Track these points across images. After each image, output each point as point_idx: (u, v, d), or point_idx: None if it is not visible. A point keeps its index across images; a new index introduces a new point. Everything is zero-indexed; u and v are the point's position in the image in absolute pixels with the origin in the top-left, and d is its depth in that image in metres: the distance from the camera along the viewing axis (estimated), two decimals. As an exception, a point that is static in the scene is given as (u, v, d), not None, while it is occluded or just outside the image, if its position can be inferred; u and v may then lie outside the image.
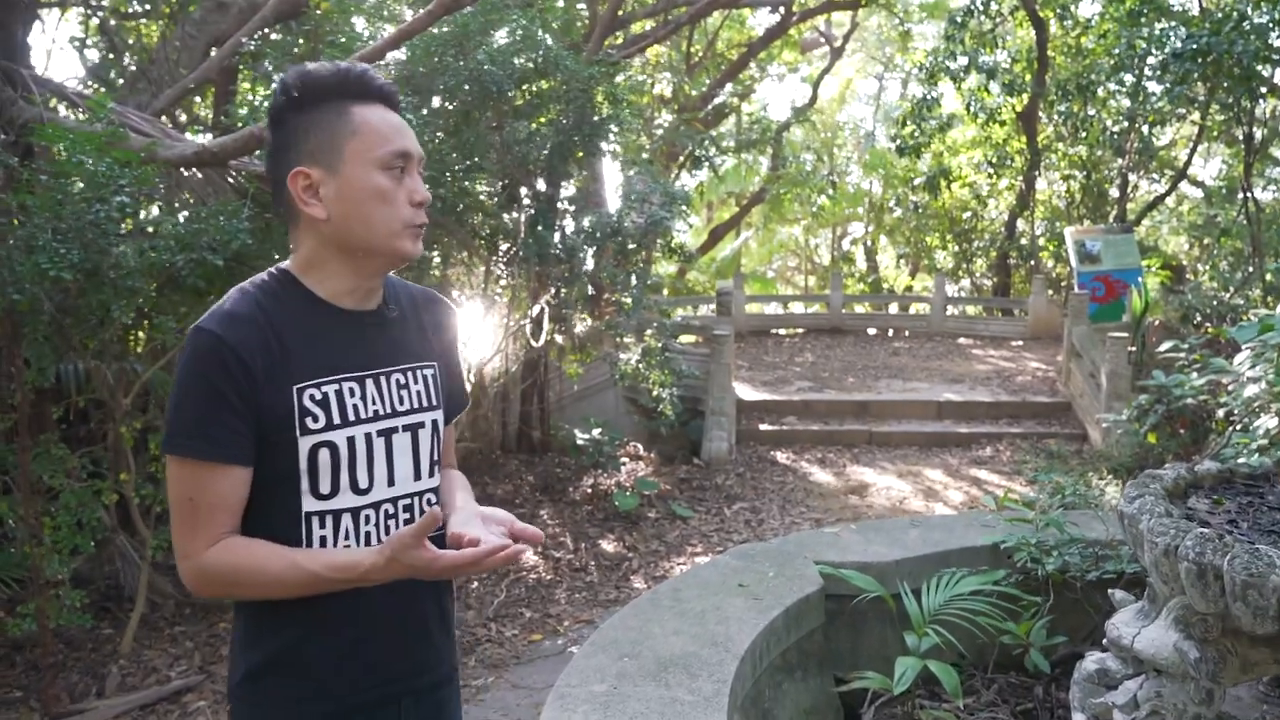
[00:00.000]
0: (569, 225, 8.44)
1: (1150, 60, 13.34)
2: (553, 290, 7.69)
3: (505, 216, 7.53)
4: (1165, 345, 7.00)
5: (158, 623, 5.68)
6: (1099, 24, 15.60)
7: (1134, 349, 10.12)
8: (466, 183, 6.53)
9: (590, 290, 8.40)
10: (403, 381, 1.61)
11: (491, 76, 6.13)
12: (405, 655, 1.62)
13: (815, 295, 20.62)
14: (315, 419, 1.50)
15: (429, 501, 1.64)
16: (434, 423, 1.66)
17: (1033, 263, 18.00)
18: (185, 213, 5.21)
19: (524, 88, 6.93)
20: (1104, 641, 2.60)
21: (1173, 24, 12.86)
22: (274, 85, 1.57)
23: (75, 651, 5.38)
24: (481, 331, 7.88)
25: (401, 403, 1.60)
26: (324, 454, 1.51)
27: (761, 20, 19.24)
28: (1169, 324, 11.71)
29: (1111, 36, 14.83)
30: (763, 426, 10.16)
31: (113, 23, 10.43)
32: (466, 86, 6.19)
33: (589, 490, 7.99)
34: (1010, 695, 3.65)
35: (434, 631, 1.67)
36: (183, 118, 9.47)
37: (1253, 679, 2.78)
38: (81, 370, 5.62)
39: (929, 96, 15.70)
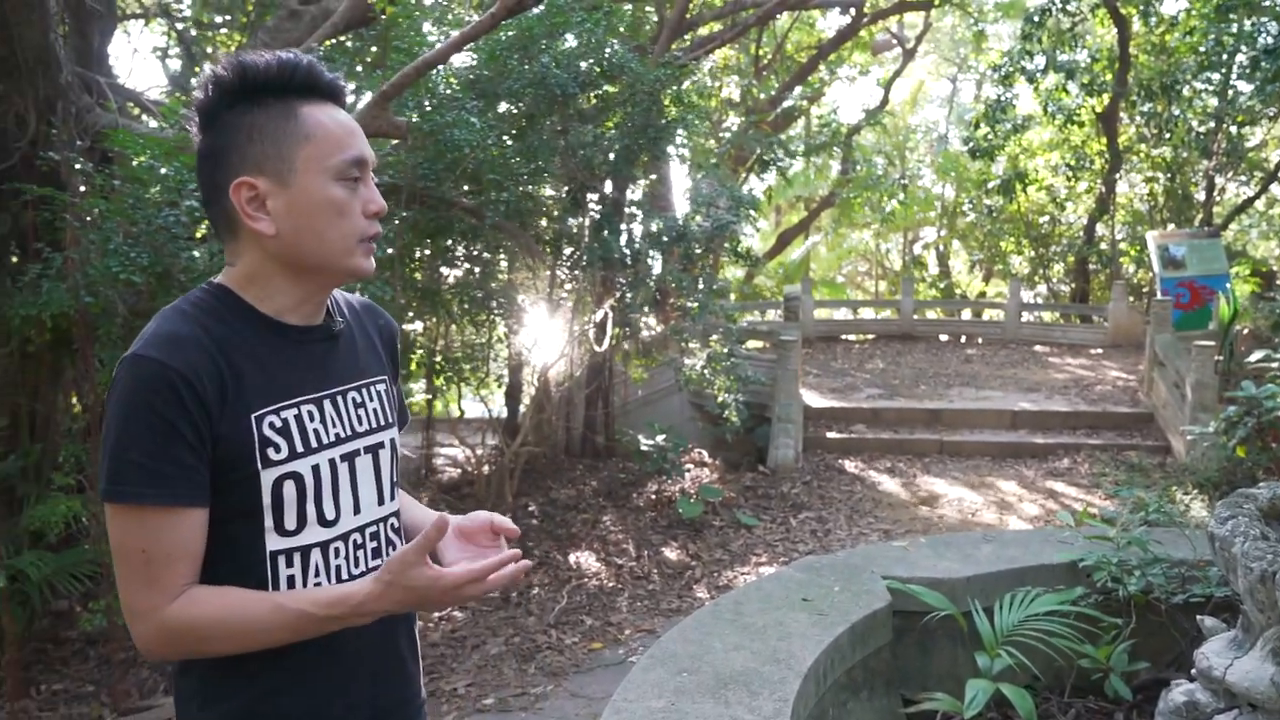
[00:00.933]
0: (634, 229, 8.40)
1: (1239, 58, 12.84)
2: (617, 295, 7.64)
3: (570, 221, 7.51)
4: (1256, 355, 6.70)
5: (225, 621, 5.75)
6: (1184, 20, 15.07)
7: (1221, 358, 9.71)
8: (531, 187, 6.51)
9: (656, 295, 8.35)
10: (359, 400, 1.48)
11: (556, 80, 6.11)
12: (383, 695, 1.49)
13: (886, 301, 20.30)
14: (277, 449, 1.34)
15: (393, 527, 1.51)
16: (391, 441, 1.54)
17: (1113, 268, 17.45)
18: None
19: (590, 92, 6.89)
20: (1192, 672, 2.44)
21: (1264, 19, 12.34)
22: (204, 77, 1.36)
23: (146, 648, 5.47)
24: (546, 336, 7.88)
25: (360, 423, 1.47)
26: (289, 486, 1.36)
27: (832, 22, 19.04)
28: (1259, 332, 11.23)
29: (1198, 34, 14.31)
30: (831, 434, 9.98)
31: (193, 32, 10.72)
32: (531, 90, 6.17)
33: (652, 497, 7.92)
34: (1089, 722, 3.48)
35: (408, 663, 1.56)
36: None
37: (1358, 716, 2.58)
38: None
39: (1003, 98, 15.33)
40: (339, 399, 1.44)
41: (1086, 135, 17.19)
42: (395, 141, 5.62)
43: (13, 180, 5.13)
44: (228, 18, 10.35)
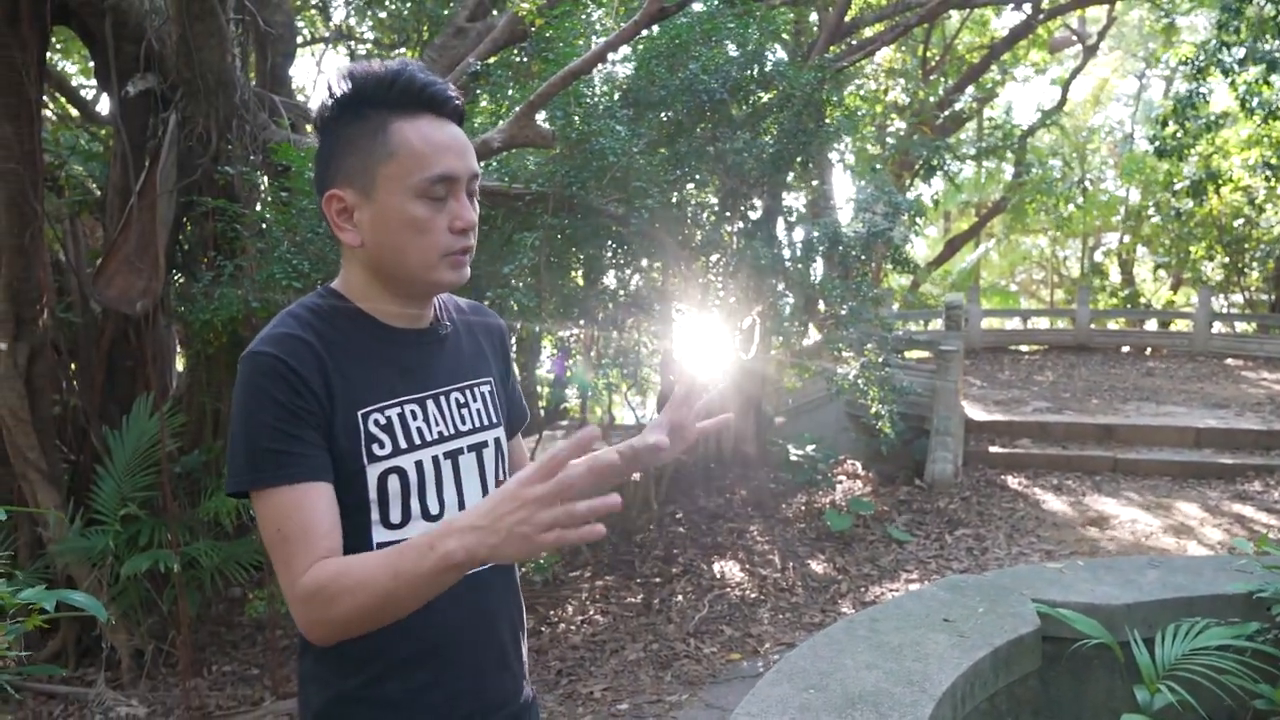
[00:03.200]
0: (789, 236, 8.27)
1: None
2: (769, 302, 7.54)
3: (724, 228, 7.48)
4: None
5: (380, 615, 6.00)
6: (1407, 3, 13.67)
7: None
8: (679, 193, 6.52)
9: (810, 302, 8.20)
10: (462, 400, 1.51)
11: (705, 87, 6.09)
12: (485, 689, 1.52)
13: (1060, 310, 19.29)
14: (381, 445, 1.39)
15: None
16: (497, 441, 1.56)
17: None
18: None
19: (741, 98, 6.84)
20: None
21: None
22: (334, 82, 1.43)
23: (307, 636, 5.77)
24: (697, 343, 7.86)
25: (463, 422, 1.50)
26: (393, 481, 1.40)
27: (1006, 21, 18.29)
28: None
29: None
30: (993, 449, 9.54)
31: (375, 52, 11.32)
32: (681, 98, 6.17)
33: (802, 508, 7.78)
34: (1265, 769, 3.17)
35: (511, 660, 1.57)
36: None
37: None
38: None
39: (1195, 93, 14.31)
40: (441, 399, 1.48)
41: (1290, 131, 15.84)
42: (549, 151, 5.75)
43: (196, 194, 5.53)
44: (404, 37, 10.86)
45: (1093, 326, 16.06)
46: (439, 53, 8.74)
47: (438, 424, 1.46)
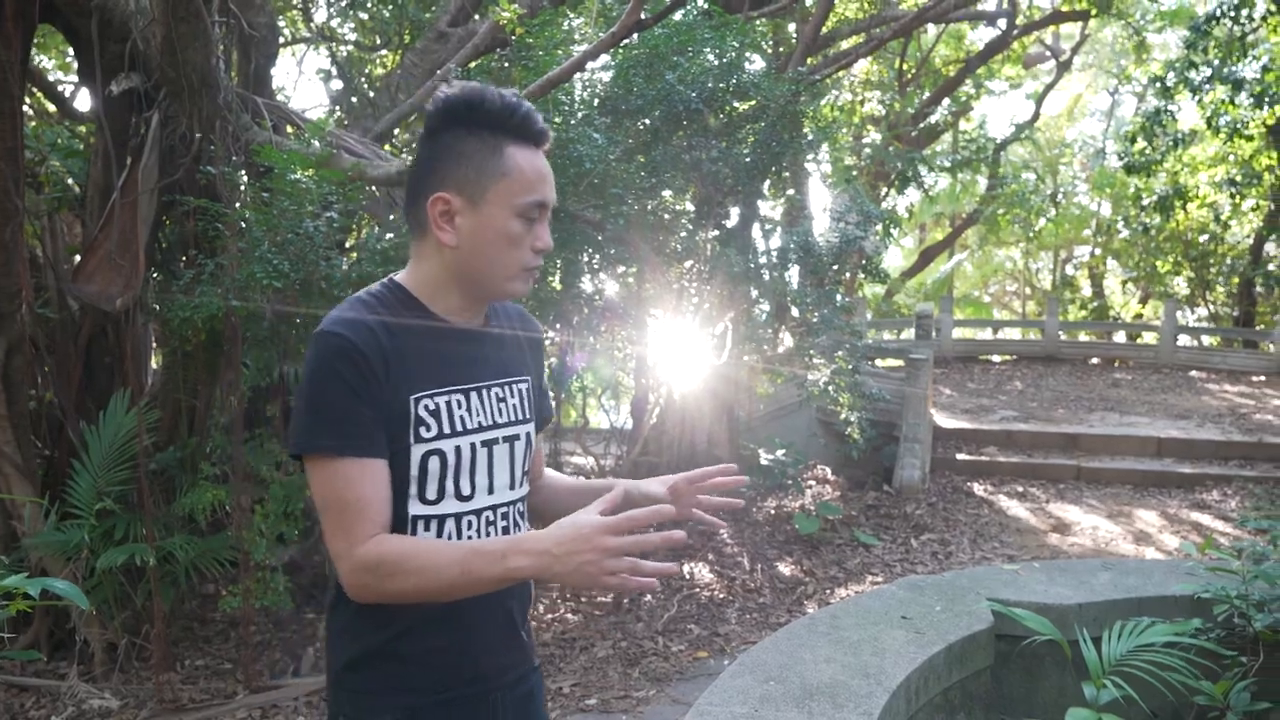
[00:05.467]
0: (762, 244, 8.40)
1: None
2: (741, 309, 7.66)
3: (699, 235, 7.59)
4: None
5: (354, 610, 6.05)
6: (1369, 27, 14.02)
7: (1397, 389, 8.98)
8: (654, 201, 6.62)
9: (785, 310, 8.32)
10: (501, 395, 1.66)
11: (681, 97, 6.20)
12: (494, 653, 1.67)
13: (1030, 321, 19.56)
14: (428, 428, 1.54)
15: (520, 511, 1.70)
16: (527, 435, 1.72)
17: (1282, 291, 16.34)
18: (384, 229, 5.57)
19: (717, 108, 6.96)
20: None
21: None
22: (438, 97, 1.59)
23: (281, 632, 5.82)
24: (671, 348, 7.97)
25: (500, 415, 1.65)
26: (434, 461, 1.55)
27: (982, 35, 18.55)
28: None
29: (1384, 40, 13.29)
30: (960, 456, 9.71)
31: (358, 54, 11.37)
32: (657, 107, 6.29)
33: (771, 512, 7.90)
34: (1206, 762, 3.30)
35: (518, 627, 1.72)
36: (409, 139, 10.17)
37: None
38: (298, 372, 6.10)
39: (1162, 110, 14.59)
40: (484, 392, 1.64)
41: (1255, 150, 16.16)
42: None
43: (177, 193, 5.59)
44: (385, 40, 10.91)
45: (1062, 337, 16.32)
46: (420, 56, 8.82)
47: (479, 414, 1.62)
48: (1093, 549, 7.11)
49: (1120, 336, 17.87)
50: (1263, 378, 13.77)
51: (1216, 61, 14.51)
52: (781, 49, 12.03)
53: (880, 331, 16.16)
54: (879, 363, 12.70)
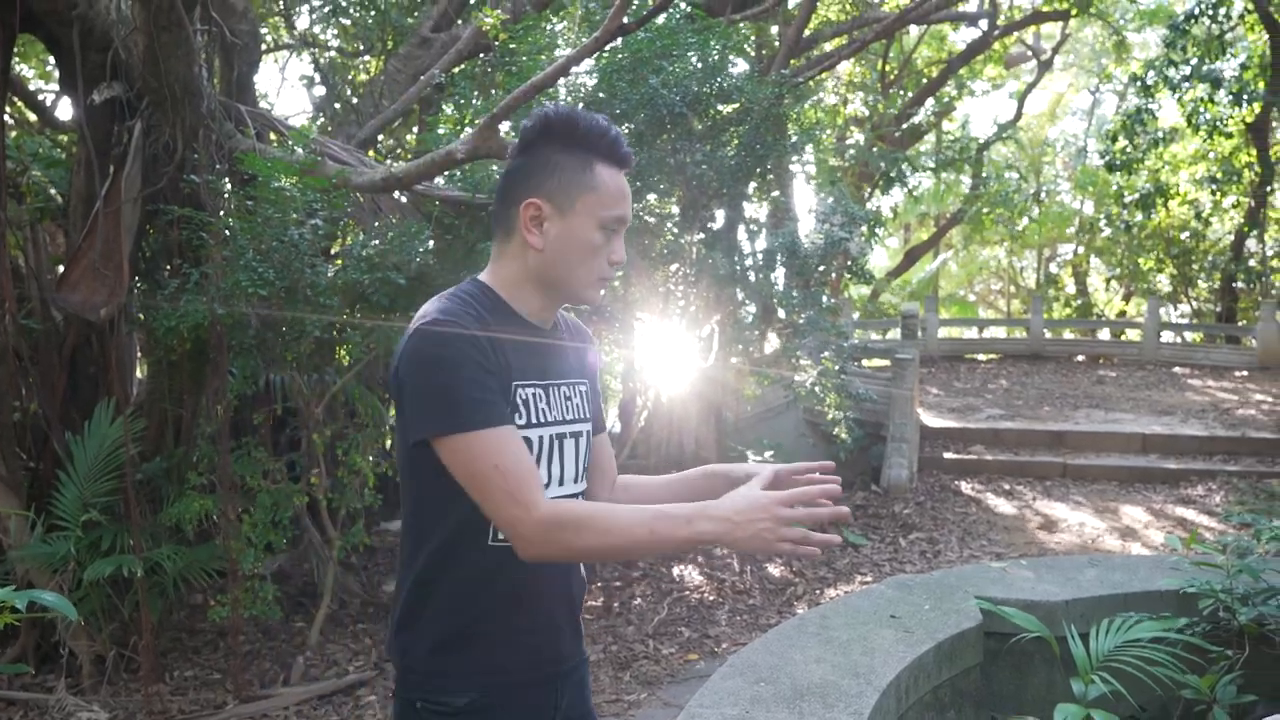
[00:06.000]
0: (748, 246, 8.42)
1: None
2: (728, 310, 7.68)
3: (685, 238, 7.60)
4: None
5: (343, 619, 6.05)
6: (1345, 24, 14.16)
7: (1378, 382, 9.07)
8: (639, 204, 6.63)
9: (771, 311, 8.35)
10: (567, 394, 1.77)
11: (665, 101, 6.22)
12: (564, 637, 1.77)
13: (1015, 320, 19.66)
14: (521, 415, 1.63)
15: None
16: (587, 434, 1.83)
17: (1263, 286, 16.45)
18: (368, 236, 5.55)
19: (701, 112, 6.98)
20: (1284, 702, 2.34)
21: None
22: (534, 115, 1.70)
23: (270, 641, 5.80)
24: (659, 351, 7.98)
25: (568, 413, 1.76)
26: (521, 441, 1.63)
27: (964, 36, 18.64)
28: None
29: (1360, 37, 13.43)
30: (948, 455, 9.76)
31: (341, 60, 11.34)
32: (641, 112, 6.30)
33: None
34: (1193, 756, 3.33)
35: (577, 614, 1.82)
36: (391, 146, 10.16)
37: None
38: (284, 381, 6.09)
39: (1143, 109, 14.70)
40: (555, 389, 1.74)
41: (1235, 147, 16.31)
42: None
43: (161, 201, 5.57)
44: (369, 45, 10.89)
45: (1047, 335, 16.41)
46: (404, 62, 8.80)
47: (554, 409, 1.72)
48: (1079, 545, 7.15)
49: (1104, 334, 17.98)
50: (1245, 373, 13.87)
51: (1195, 60, 14.62)
52: (764, 51, 12.06)
53: (866, 332, 16.21)
54: (865, 363, 12.75)
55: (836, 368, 7.89)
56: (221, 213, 5.10)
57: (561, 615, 1.75)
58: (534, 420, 1.67)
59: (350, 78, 11.11)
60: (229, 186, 5.53)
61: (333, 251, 6.64)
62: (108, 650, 5.34)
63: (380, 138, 8.60)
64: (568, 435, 1.75)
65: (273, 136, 6.67)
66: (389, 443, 7.37)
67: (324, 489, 5.65)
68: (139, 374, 7.39)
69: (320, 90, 10.71)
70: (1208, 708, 3.24)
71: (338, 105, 9.93)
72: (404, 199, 6.41)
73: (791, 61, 10.33)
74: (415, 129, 9.91)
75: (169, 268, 5.97)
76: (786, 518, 1.45)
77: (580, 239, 1.66)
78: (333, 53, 11.54)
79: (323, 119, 9.72)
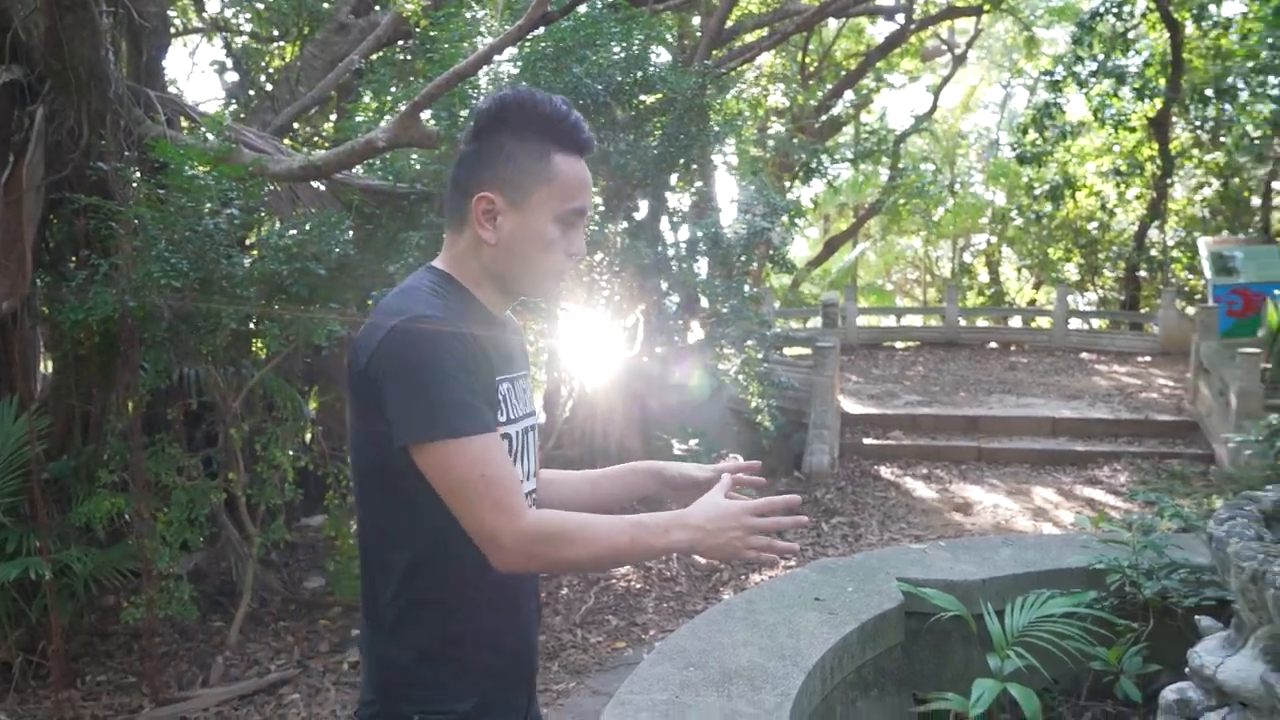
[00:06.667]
0: (671, 236, 8.45)
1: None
2: (652, 300, 7.71)
3: (609, 228, 7.60)
4: (1301, 362, 6.59)
5: (264, 617, 5.93)
6: (1241, 24, 14.78)
7: (1268, 366, 9.51)
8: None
9: (691, 300, 8.40)
10: (525, 387, 1.71)
11: (588, 91, 6.20)
12: (534, 639, 1.76)
13: (931, 308, 20.13)
14: (501, 412, 1.57)
15: (533, 501, 1.70)
16: (538, 425, 1.78)
17: (1164, 275, 17.13)
18: (286, 225, 5.44)
19: (624, 102, 6.98)
20: (1186, 670, 2.46)
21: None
22: (485, 99, 1.63)
23: (187, 641, 5.66)
24: (583, 341, 7.97)
25: (526, 405, 1.70)
26: (505, 447, 1.57)
27: (881, 29, 18.95)
28: (1313, 340, 10.96)
29: (1254, 37, 14.04)
30: (867, 440, 9.96)
31: (254, 45, 11.04)
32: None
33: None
34: (1103, 725, 3.47)
35: (538, 618, 1.82)
36: (308, 134, 9.93)
37: (1354, 718, 2.57)
38: (198, 374, 5.93)
39: (1051, 103, 15.16)
40: (517, 382, 1.68)
41: (1138, 140, 16.92)
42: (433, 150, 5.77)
43: (66, 190, 5.36)
44: (283, 30, 10.62)
45: (961, 323, 16.81)
46: (320, 48, 8.61)
47: (521, 402, 1.67)
48: (994, 526, 7.38)
49: (1016, 321, 18.48)
50: (1148, 358, 14.42)
51: (1101, 56, 15.13)
52: (686, 42, 12.11)
53: (787, 320, 16.41)
54: (787, 351, 12.93)
55: (760, 356, 7.99)
56: (131, 201, 4.92)
57: (534, 614, 1.74)
58: (511, 416, 1.62)
59: (265, 64, 10.83)
60: (138, 174, 5.34)
61: (248, 242, 6.48)
62: (14, 657, 5.14)
63: (296, 125, 8.41)
64: (530, 428, 1.71)
65: (184, 123, 6.47)
66: (309, 436, 7.24)
67: (242, 484, 5.52)
68: (44, 369, 7.12)
69: (232, 76, 10.41)
70: (1115, 678, 3.39)
71: (251, 92, 9.67)
72: (322, 188, 6.29)
73: (714, 52, 10.40)
74: (333, 116, 9.72)
75: (75, 259, 5.75)
76: (756, 527, 1.50)
77: (535, 234, 1.58)
78: (245, 37, 11.23)
79: (235, 106, 9.45)
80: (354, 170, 5.50)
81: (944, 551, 4.15)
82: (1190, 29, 15.56)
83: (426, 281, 1.58)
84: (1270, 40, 12.64)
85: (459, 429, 1.44)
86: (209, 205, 4.79)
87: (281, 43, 10.84)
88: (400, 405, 1.46)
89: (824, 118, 17.53)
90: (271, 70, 10.44)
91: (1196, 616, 2.67)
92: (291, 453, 5.71)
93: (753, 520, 1.50)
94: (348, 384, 1.59)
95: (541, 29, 5.80)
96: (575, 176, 1.59)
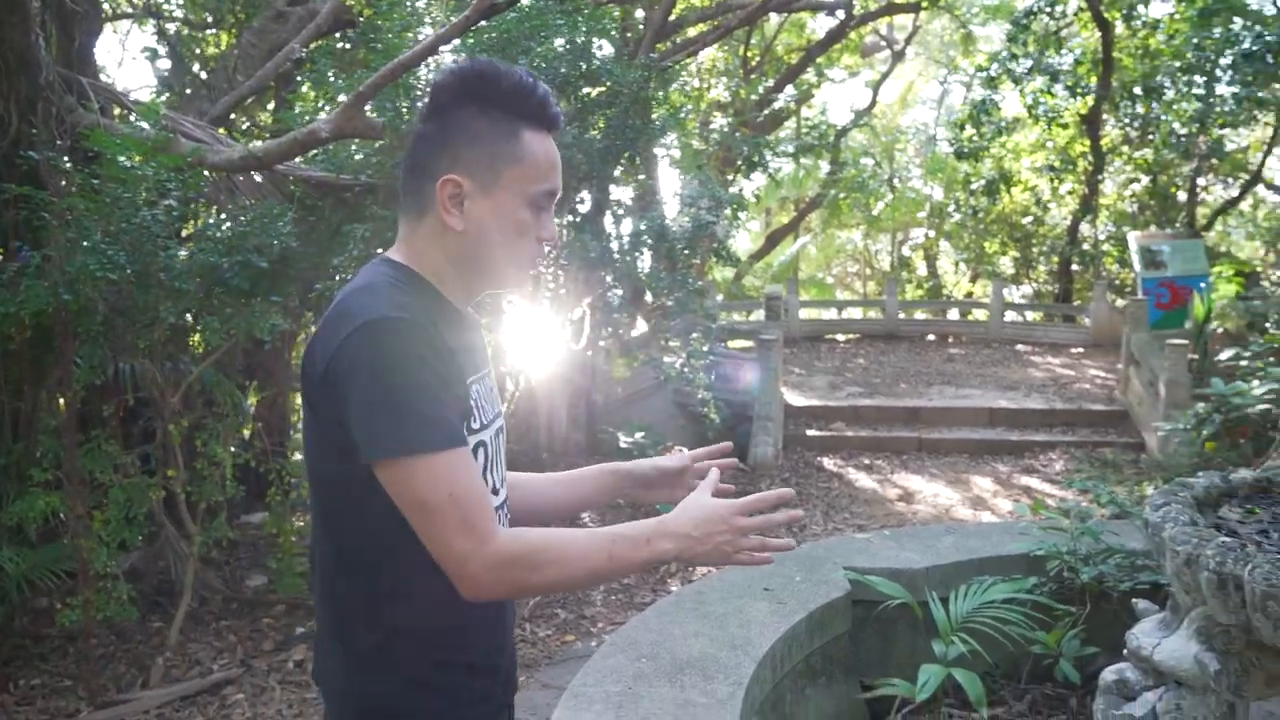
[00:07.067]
0: (618, 229, 8.46)
1: (1221, 61, 12.98)
2: (598, 294, 7.71)
3: (554, 221, 7.57)
4: (1227, 353, 6.81)
5: (205, 617, 5.82)
6: (1168, 24, 15.22)
7: (1195, 356, 9.83)
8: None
9: (637, 294, 8.43)
10: (490, 386, 1.59)
11: (534, 82, 6.17)
12: (512, 647, 1.64)
13: (871, 301, 20.40)
14: (474, 418, 1.45)
15: (504, 515, 1.58)
16: (504, 425, 1.65)
17: (1095, 268, 17.58)
18: (225, 217, 5.34)
19: (569, 94, 6.96)
20: (1124, 651, 2.54)
21: (1245, 24, 12.47)
22: (441, 72, 1.47)
23: (125, 643, 5.53)
24: (528, 335, 7.94)
25: (495, 405, 1.58)
26: (480, 454, 1.45)
27: (821, 25, 19.13)
28: (1236, 332, 11.35)
29: (1181, 37, 14.46)
30: (810, 432, 10.08)
31: (185, 32, 10.76)
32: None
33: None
34: (1043, 707, 3.57)
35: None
36: (245, 124, 9.73)
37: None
38: (134, 369, 5.79)
39: (988, 100, 15.47)
40: (485, 381, 1.55)
41: (1071, 137, 17.33)
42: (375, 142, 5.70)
43: (-6, 179, 5.19)
44: (218, 18, 10.39)
45: (901, 316, 17.07)
46: (258, 36, 8.45)
47: (488, 404, 1.53)
48: (935, 516, 7.52)
49: (954, 314, 18.82)
50: (1081, 350, 14.79)
51: (1035, 54, 15.46)
52: (629, 34, 12.10)
53: (730, 313, 16.52)
54: (731, 344, 13.02)
55: (705, 349, 8.04)
56: (65, 192, 4.78)
57: (513, 629, 1.63)
58: (484, 420, 1.49)
59: (199, 51, 10.58)
60: (70, 164, 5.19)
61: (184, 234, 6.34)
62: (-57, 662, 4.99)
63: (234, 115, 8.23)
64: (500, 429, 1.58)
65: (117, 112, 6.31)
66: (247, 432, 7.12)
67: (182, 481, 5.40)
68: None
69: (165, 64, 10.15)
70: (1054, 661, 3.48)
71: (185, 81, 9.44)
72: (258, 179, 6.16)
73: (657, 46, 10.41)
74: (270, 106, 9.53)
75: (4, 250, 5.58)
76: (745, 527, 1.39)
77: (507, 219, 1.44)
78: (178, 24, 10.95)
79: (169, 94, 9.23)
80: (295, 161, 5.41)
81: (889, 540, 4.23)
82: (1120, 29, 15.97)
83: (385, 277, 1.43)
84: (1195, 41, 13.02)
85: (424, 444, 1.30)
86: (144, 196, 4.68)
87: (215, 30, 10.59)
88: (362, 418, 1.32)
89: (766, 112, 17.63)
90: (206, 58, 10.20)
91: (1133, 600, 2.76)
92: (234, 449, 5.61)
93: (742, 521, 1.39)
94: (302, 393, 1.45)
95: (484, 21, 5.75)
96: (546, 155, 1.46)
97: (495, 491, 1.51)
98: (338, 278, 5.10)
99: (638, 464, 1.80)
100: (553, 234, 1.51)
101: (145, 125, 5.05)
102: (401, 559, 1.39)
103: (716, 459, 1.79)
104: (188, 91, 8.90)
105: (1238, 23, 12.76)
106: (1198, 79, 13.98)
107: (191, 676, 5.04)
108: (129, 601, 5.04)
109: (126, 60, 28.26)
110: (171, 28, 10.72)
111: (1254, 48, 10.90)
